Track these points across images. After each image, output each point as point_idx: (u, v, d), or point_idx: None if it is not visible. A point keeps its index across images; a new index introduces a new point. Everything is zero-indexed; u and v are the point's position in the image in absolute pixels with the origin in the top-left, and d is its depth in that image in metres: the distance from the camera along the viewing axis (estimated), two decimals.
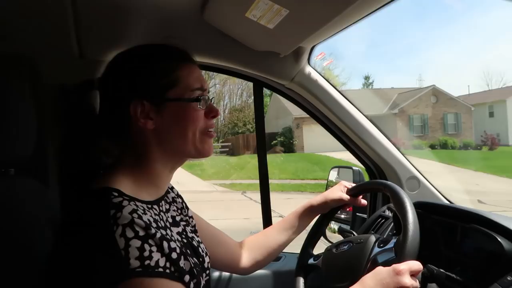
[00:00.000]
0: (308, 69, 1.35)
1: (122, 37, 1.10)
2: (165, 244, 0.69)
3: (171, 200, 0.94)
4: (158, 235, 0.69)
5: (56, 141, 1.04)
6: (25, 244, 0.81)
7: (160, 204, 0.85)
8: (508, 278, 0.86)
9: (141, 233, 0.66)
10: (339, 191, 1.14)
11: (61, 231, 0.73)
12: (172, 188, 0.98)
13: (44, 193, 0.93)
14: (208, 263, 0.90)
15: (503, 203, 8.43)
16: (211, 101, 0.86)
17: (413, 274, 0.79)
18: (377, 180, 1.35)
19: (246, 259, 1.10)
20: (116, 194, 0.72)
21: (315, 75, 1.37)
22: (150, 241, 0.66)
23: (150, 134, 0.80)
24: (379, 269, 0.81)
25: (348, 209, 1.26)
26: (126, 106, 0.78)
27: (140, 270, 0.63)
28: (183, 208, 0.98)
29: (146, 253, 0.65)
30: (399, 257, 0.83)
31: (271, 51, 1.24)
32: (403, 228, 0.87)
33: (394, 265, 0.79)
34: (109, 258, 0.63)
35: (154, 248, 0.66)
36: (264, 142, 1.67)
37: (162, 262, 0.67)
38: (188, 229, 0.93)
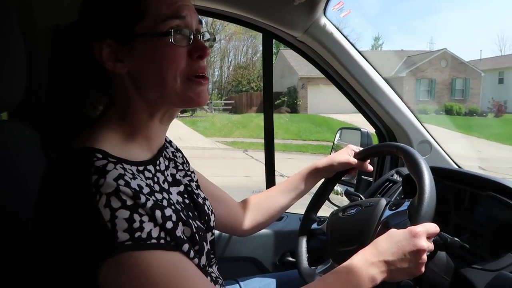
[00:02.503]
0: (324, 21, 1.25)
1: None
2: (158, 213, 0.60)
3: (170, 155, 0.85)
4: (150, 203, 0.60)
5: (49, 87, 0.97)
6: (21, 195, 0.78)
7: (158, 162, 0.75)
8: None
9: (129, 202, 0.57)
10: (346, 154, 1.09)
11: (37, 199, 0.64)
12: (170, 142, 0.90)
13: (36, 140, 0.88)
14: (213, 221, 0.85)
15: (503, 170, 8.43)
16: (199, 36, 0.70)
17: (428, 237, 0.76)
18: (389, 143, 1.30)
19: (246, 220, 1.06)
20: (99, 155, 0.61)
21: (330, 28, 1.27)
22: (141, 211, 0.58)
23: (126, 79, 0.68)
24: (393, 231, 0.77)
25: (353, 173, 1.22)
26: (89, 48, 0.66)
27: (130, 243, 0.55)
28: (184, 163, 0.90)
29: (136, 224, 0.56)
30: (415, 220, 0.78)
31: None
32: (418, 190, 0.83)
33: (410, 227, 0.75)
34: (93, 232, 0.55)
35: (145, 218, 0.58)
36: (271, 99, 1.60)
37: (155, 233, 0.58)
38: (193, 184, 0.86)
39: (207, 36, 0.73)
